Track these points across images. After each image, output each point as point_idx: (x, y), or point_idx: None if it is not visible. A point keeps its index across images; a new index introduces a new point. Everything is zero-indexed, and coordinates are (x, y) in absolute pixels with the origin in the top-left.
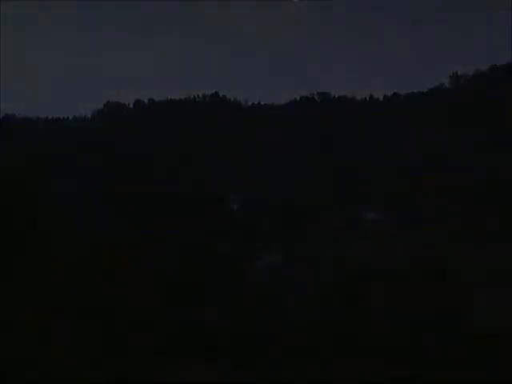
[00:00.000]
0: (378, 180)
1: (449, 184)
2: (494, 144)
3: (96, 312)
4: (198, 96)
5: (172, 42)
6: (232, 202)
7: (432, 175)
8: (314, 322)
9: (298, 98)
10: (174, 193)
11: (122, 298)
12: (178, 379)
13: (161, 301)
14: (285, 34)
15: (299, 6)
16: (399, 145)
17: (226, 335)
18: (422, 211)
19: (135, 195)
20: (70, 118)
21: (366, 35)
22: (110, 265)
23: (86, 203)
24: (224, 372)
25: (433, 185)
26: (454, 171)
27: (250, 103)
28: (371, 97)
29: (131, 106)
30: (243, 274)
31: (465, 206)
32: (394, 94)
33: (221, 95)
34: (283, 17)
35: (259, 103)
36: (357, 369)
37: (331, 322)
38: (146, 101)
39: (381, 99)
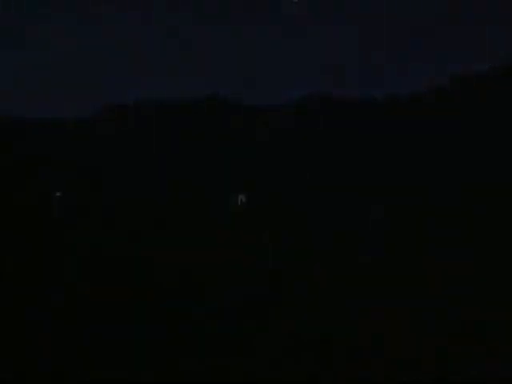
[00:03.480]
0: (377, 180)
1: (448, 184)
2: (494, 144)
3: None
4: (198, 97)
5: (172, 41)
6: (232, 201)
7: (431, 174)
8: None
9: (298, 98)
10: (174, 194)
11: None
12: None
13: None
14: (284, 33)
15: (299, 6)
16: (399, 144)
17: None
18: (421, 210)
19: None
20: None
21: (366, 34)
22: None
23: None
24: None
25: (432, 184)
26: (454, 170)
27: (249, 103)
28: (371, 96)
29: (132, 106)
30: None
31: (465, 206)
32: (394, 93)
33: (221, 95)
34: (283, 17)
35: (259, 103)
36: None
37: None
38: (146, 101)
39: (380, 99)
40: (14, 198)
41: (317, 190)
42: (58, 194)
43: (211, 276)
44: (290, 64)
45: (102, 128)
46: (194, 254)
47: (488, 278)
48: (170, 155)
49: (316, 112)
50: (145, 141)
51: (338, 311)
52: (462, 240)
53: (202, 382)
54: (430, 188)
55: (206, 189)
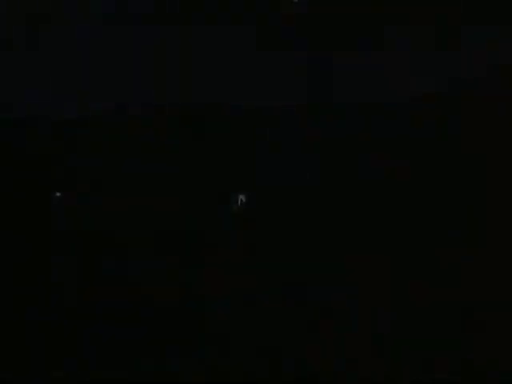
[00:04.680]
0: (377, 180)
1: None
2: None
3: None
4: (197, 98)
5: (172, 40)
6: (232, 202)
7: (432, 174)
8: None
9: (298, 99)
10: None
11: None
12: None
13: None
14: (284, 33)
15: (299, 6)
16: (399, 145)
17: None
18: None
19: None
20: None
21: (365, 34)
22: None
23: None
24: None
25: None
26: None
27: (249, 104)
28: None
29: (132, 106)
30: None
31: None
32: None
33: (220, 96)
34: (283, 17)
35: (259, 104)
36: None
37: None
38: (146, 100)
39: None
40: (14, 198)
41: (317, 190)
42: (57, 194)
43: (211, 276)
44: (289, 63)
45: (103, 128)
46: (194, 254)
47: (488, 277)
48: (170, 155)
49: (317, 111)
50: (145, 141)
51: (337, 311)
52: (461, 240)
53: (202, 381)
54: (431, 188)
55: (206, 189)
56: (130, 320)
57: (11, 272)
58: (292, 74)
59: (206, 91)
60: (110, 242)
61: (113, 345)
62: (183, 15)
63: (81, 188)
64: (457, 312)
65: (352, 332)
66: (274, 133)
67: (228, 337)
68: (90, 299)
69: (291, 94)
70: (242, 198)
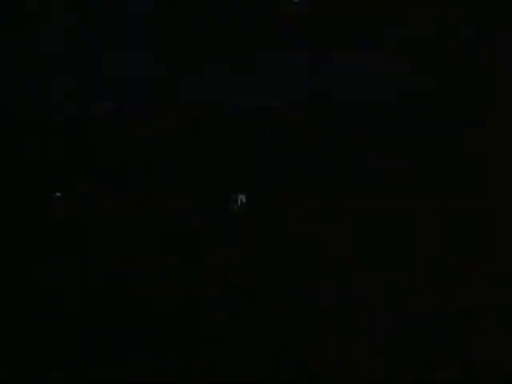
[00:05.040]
0: (376, 179)
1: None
2: None
3: None
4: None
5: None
6: (232, 202)
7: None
8: None
9: (297, 99)
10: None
11: None
12: None
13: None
14: (284, 33)
15: (299, 6)
16: (399, 144)
17: None
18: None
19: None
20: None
21: (365, 34)
22: None
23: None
24: None
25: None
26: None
27: (249, 104)
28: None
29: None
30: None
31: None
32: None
33: (220, 96)
34: (283, 17)
35: (259, 104)
36: None
37: None
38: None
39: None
40: (14, 198)
41: (317, 190)
42: (57, 194)
43: (210, 275)
44: (288, 63)
45: (103, 128)
46: (194, 254)
47: (488, 276)
48: (170, 155)
49: (317, 111)
50: (145, 141)
51: (338, 309)
52: (462, 239)
53: (202, 381)
54: (431, 188)
55: (206, 189)
56: (130, 320)
57: (11, 272)
58: (292, 74)
59: (206, 91)
60: (109, 241)
61: (113, 345)
62: (183, 15)
63: (81, 188)
64: (457, 312)
65: (352, 332)
66: (274, 133)
67: (228, 337)
68: (89, 299)
69: (291, 94)
70: (241, 197)
